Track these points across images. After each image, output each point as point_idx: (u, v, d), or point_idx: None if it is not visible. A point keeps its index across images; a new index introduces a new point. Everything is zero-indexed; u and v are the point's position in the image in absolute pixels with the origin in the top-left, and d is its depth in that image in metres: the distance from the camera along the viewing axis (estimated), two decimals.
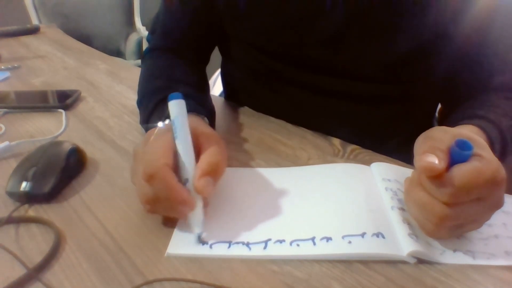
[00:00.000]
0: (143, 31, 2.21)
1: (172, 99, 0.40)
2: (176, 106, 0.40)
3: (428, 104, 0.69)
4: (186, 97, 0.42)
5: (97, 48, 1.10)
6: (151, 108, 0.53)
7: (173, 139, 0.39)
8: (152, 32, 0.71)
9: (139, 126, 0.62)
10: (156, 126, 0.44)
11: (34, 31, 1.25)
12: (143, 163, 0.38)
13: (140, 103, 0.59)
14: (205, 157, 0.40)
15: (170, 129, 0.40)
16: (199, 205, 0.38)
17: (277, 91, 0.66)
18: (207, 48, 0.72)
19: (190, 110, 0.45)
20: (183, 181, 0.38)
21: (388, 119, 0.64)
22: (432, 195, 0.34)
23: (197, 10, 0.65)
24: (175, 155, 0.39)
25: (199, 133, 0.42)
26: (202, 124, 0.46)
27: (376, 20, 0.53)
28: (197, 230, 0.38)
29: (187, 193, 0.37)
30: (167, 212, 0.39)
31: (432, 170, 0.33)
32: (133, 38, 2.25)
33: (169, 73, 0.61)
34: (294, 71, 0.62)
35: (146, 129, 0.50)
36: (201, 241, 0.38)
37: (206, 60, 0.72)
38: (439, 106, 0.72)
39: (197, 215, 0.38)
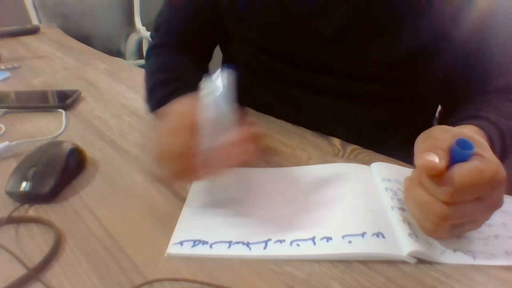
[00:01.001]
0: (143, 31, 2.20)
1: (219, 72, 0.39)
2: (222, 78, 0.39)
3: (428, 104, 0.69)
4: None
5: (97, 48, 1.10)
6: (170, 91, 0.54)
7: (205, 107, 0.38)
8: (155, 29, 0.71)
9: (139, 126, 0.62)
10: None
11: (34, 31, 1.25)
12: (171, 120, 0.39)
13: (151, 91, 0.61)
14: (245, 128, 0.40)
15: (198, 99, 0.40)
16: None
17: (278, 91, 0.66)
18: (210, 46, 0.72)
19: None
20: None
21: (388, 120, 0.64)
22: (432, 194, 0.34)
23: (201, 8, 0.65)
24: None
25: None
26: None
27: (377, 20, 0.53)
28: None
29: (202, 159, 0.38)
30: (174, 175, 0.40)
31: (433, 168, 0.33)
32: (133, 38, 2.25)
33: (177, 65, 0.63)
34: (294, 71, 0.62)
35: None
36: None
37: (209, 58, 0.73)
38: (439, 107, 0.72)
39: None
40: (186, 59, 0.65)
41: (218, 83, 0.39)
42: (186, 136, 0.38)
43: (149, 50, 0.70)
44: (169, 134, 0.39)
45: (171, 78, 0.59)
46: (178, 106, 0.42)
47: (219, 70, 0.40)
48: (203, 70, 0.69)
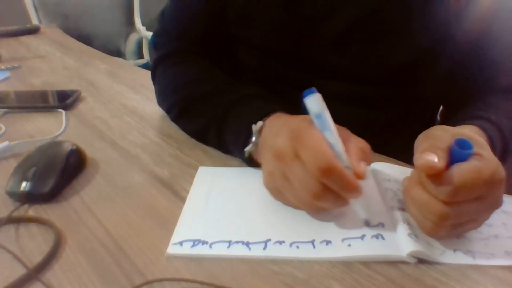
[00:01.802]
0: (143, 31, 2.20)
1: (307, 94, 0.40)
2: (317, 100, 0.40)
3: (430, 106, 0.69)
4: (258, 97, 0.47)
5: (97, 48, 1.10)
6: (221, 113, 0.51)
7: (320, 132, 0.38)
8: (159, 34, 0.69)
9: (139, 126, 0.62)
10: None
11: (34, 31, 1.25)
12: (307, 160, 0.36)
13: (184, 111, 0.57)
14: (354, 144, 0.40)
15: (311, 124, 0.39)
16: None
17: (280, 93, 0.66)
18: (219, 49, 0.70)
19: (276, 109, 0.47)
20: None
21: (390, 122, 0.64)
22: (431, 194, 0.34)
23: (207, 10, 0.63)
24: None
25: None
26: None
27: (380, 24, 0.53)
28: (364, 215, 0.39)
29: (356, 180, 0.37)
30: (333, 204, 0.38)
31: (432, 168, 0.34)
32: (133, 38, 2.25)
33: (211, 76, 0.60)
34: (297, 73, 0.62)
35: (220, 134, 0.51)
36: (369, 225, 0.39)
37: (220, 61, 0.71)
38: (441, 108, 0.72)
39: (361, 200, 0.39)
40: (211, 66, 0.63)
41: (317, 105, 0.39)
42: (339, 171, 0.35)
43: (161, 60, 0.65)
44: (324, 173, 0.35)
45: (215, 89, 0.55)
46: (307, 140, 0.37)
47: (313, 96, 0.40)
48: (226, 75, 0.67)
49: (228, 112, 0.51)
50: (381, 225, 0.39)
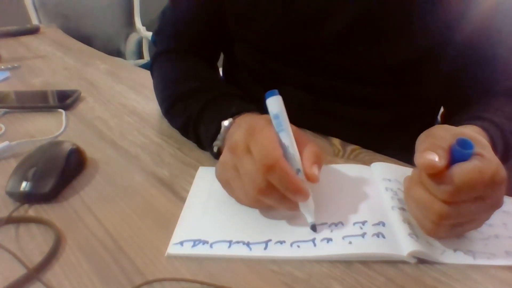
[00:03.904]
0: (143, 31, 2.20)
1: (270, 95, 0.41)
2: (277, 102, 0.40)
3: (430, 107, 0.69)
4: (236, 97, 0.48)
5: (97, 48, 1.10)
6: (199, 109, 0.52)
7: (276, 133, 0.39)
8: (159, 32, 0.70)
9: (139, 126, 0.62)
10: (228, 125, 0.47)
11: (34, 31, 1.25)
12: (255, 155, 0.37)
13: (171, 107, 0.59)
14: (310, 148, 0.40)
15: (268, 123, 0.40)
16: (311, 194, 0.38)
17: (280, 92, 0.66)
18: (217, 48, 0.71)
19: (249, 109, 0.48)
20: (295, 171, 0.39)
21: (391, 122, 0.64)
22: (432, 193, 0.34)
23: (206, 10, 0.64)
24: (281, 147, 0.39)
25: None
26: None
27: (381, 24, 0.53)
28: (310, 219, 0.39)
29: (303, 182, 0.37)
30: (277, 203, 0.38)
31: (432, 167, 0.33)
32: (133, 38, 2.25)
33: (199, 74, 0.61)
34: (297, 73, 0.62)
35: (196, 130, 0.53)
36: (316, 230, 0.39)
37: (216, 60, 0.72)
38: (441, 109, 0.72)
39: (309, 204, 0.39)
40: (202, 65, 0.64)
41: (276, 106, 0.40)
42: (284, 171, 0.36)
43: (157, 56, 0.67)
44: (267, 170, 0.35)
45: (200, 87, 0.57)
46: (260, 137, 0.38)
47: (272, 96, 0.41)
48: (218, 73, 0.68)
49: (205, 108, 0.53)
50: (381, 224, 0.39)
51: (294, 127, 0.42)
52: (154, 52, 0.69)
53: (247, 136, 0.38)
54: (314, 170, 0.39)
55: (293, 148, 0.39)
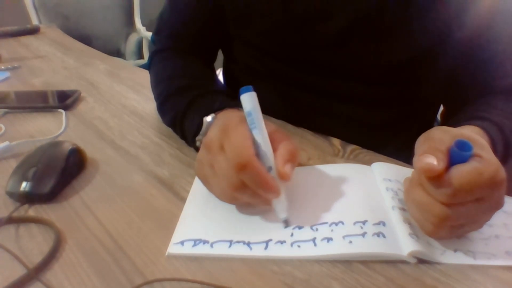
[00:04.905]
0: (143, 31, 2.20)
1: (244, 92, 0.41)
2: (251, 98, 0.41)
3: (429, 106, 0.69)
4: (223, 94, 0.47)
5: (97, 48, 1.10)
6: (185, 105, 0.53)
7: (250, 130, 0.40)
8: (157, 32, 0.70)
9: (139, 126, 0.62)
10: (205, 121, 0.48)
11: (34, 31, 1.25)
12: (228, 153, 0.37)
13: (163, 103, 0.60)
14: (284, 146, 0.40)
15: (242, 120, 0.40)
16: (283, 191, 0.39)
17: (279, 92, 0.66)
18: (214, 47, 0.72)
19: (235, 106, 0.48)
20: (266, 169, 0.39)
21: (390, 121, 0.64)
22: (431, 196, 0.34)
23: (204, 10, 0.64)
24: (254, 145, 0.39)
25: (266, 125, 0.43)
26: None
27: (379, 23, 0.53)
28: (283, 215, 0.39)
29: (274, 180, 0.38)
30: (251, 199, 0.39)
31: (431, 171, 0.33)
32: (133, 38, 2.25)
33: (191, 72, 0.62)
34: (296, 72, 0.62)
35: (181, 126, 0.53)
36: (288, 225, 0.39)
37: (213, 59, 0.72)
38: (441, 108, 0.72)
39: (282, 201, 0.39)
40: (195, 63, 0.65)
41: (249, 103, 0.40)
42: (255, 169, 0.36)
43: (154, 54, 0.68)
44: (239, 168, 0.36)
45: (189, 84, 0.57)
46: (233, 134, 0.39)
47: (246, 93, 0.41)
48: (213, 71, 0.68)
49: (191, 105, 0.53)
50: (382, 223, 0.39)
51: (271, 124, 0.43)
52: (151, 51, 0.70)
53: (221, 134, 0.39)
54: (286, 168, 0.39)
55: (265, 146, 0.40)
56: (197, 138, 0.50)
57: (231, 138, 0.38)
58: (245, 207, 0.42)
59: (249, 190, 0.38)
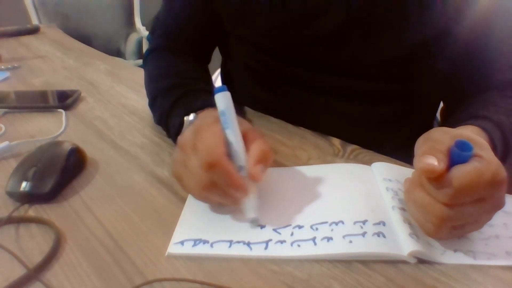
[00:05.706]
0: (143, 31, 2.20)
1: (218, 91, 0.41)
2: (224, 98, 0.41)
3: (429, 102, 0.69)
4: (208, 92, 0.46)
5: (97, 48, 1.10)
6: (170, 104, 0.54)
7: (223, 129, 0.40)
8: (152, 31, 0.71)
9: (139, 126, 0.62)
10: (190, 120, 0.48)
11: (34, 31, 1.25)
12: (199, 153, 0.38)
13: (153, 102, 0.60)
14: (256, 146, 0.41)
15: (216, 120, 0.41)
16: (253, 190, 0.39)
17: (277, 90, 0.66)
18: (209, 47, 0.72)
19: (214, 105, 0.47)
20: (237, 169, 0.39)
21: (389, 118, 0.64)
22: (432, 196, 0.34)
23: (198, 9, 0.65)
24: (226, 144, 0.40)
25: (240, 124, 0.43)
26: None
27: (377, 19, 0.53)
28: (252, 214, 0.39)
29: (244, 180, 0.38)
30: (221, 198, 0.40)
31: (432, 171, 0.33)
32: (133, 38, 2.25)
33: (180, 71, 0.63)
34: (294, 70, 0.62)
35: (166, 125, 0.54)
36: (258, 224, 0.40)
37: (208, 59, 0.73)
38: (441, 105, 0.72)
39: (252, 200, 0.39)
40: (186, 62, 0.65)
41: (222, 103, 0.41)
42: (224, 168, 0.37)
43: (147, 54, 0.69)
44: (208, 167, 0.37)
45: (176, 83, 0.58)
46: (205, 134, 0.40)
47: (220, 93, 0.41)
48: (206, 70, 0.68)
49: (175, 103, 0.54)
50: (382, 223, 0.39)
51: (246, 123, 0.43)
52: (146, 50, 0.70)
53: (194, 134, 0.40)
54: (256, 169, 0.39)
55: (238, 145, 0.40)
56: (178, 138, 0.51)
57: (203, 138, 0.39)
58: (219, 207, 0.42)
59: (219, 189, 0.38)
